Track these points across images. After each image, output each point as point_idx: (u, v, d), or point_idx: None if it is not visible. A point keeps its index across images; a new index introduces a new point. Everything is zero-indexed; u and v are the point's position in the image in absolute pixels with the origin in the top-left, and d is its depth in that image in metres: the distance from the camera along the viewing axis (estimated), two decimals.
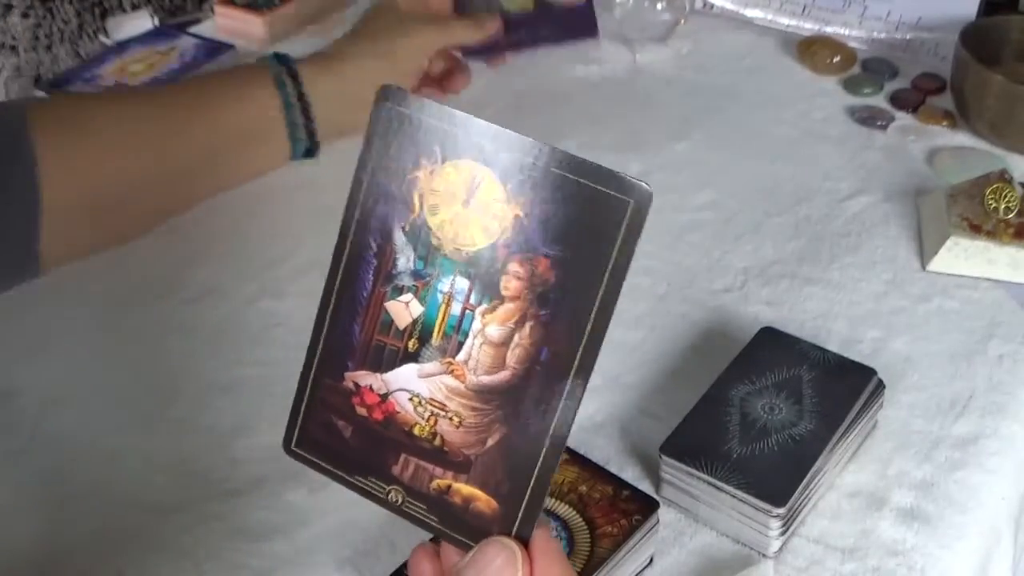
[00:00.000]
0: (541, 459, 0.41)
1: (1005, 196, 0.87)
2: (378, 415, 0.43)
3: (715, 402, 0.71)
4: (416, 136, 0.41)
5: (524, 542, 0.41)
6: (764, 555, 0.66)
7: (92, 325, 0.85)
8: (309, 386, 0.44)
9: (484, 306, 0.41)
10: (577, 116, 1.09)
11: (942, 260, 0.87)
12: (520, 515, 0.41)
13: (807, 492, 0.67)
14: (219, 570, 0.66)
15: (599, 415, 0.76)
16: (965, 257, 0.87)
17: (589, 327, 0.40)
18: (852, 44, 1.17)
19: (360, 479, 0.43)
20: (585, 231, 0.39)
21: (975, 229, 0.87)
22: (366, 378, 0.43)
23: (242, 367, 0.81)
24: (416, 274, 0.42)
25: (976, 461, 0.72)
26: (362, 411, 0.43)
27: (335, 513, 0.69)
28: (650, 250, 0.89)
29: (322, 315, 0.43)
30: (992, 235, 0.86)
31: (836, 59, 1.15)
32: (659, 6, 1.17)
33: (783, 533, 0.66)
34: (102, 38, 1.16)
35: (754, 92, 1.12)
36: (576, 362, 0.40)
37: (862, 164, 1.01)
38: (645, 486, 0.69)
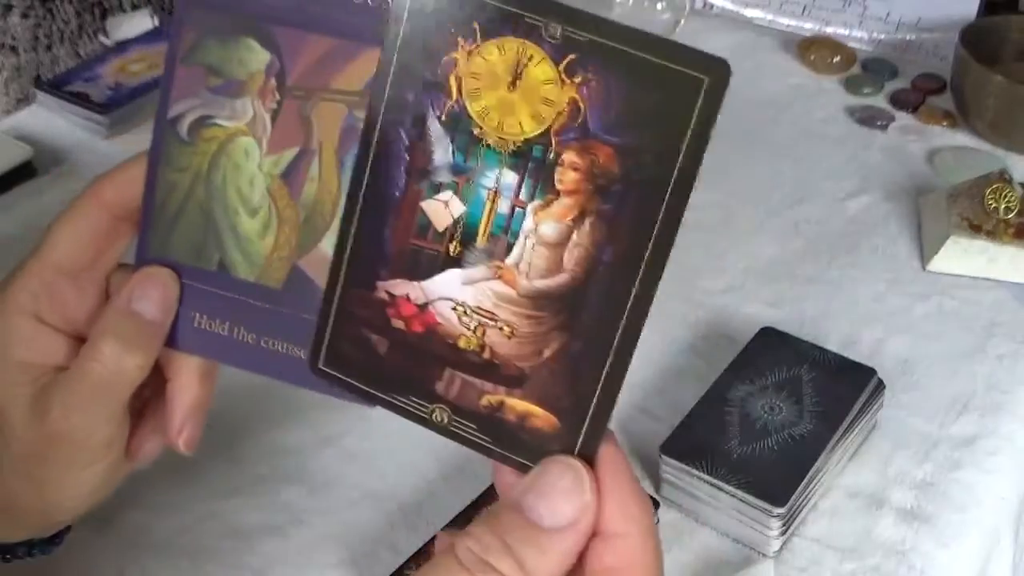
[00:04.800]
0: (607, 369, 0.37)
1: (1005, 196, 0.87)
2: (417, 327, 0.38)
3: (715, 402, 0.71)
4: (450, 13, 0.36)
5: (589, 460, 0.37)
6: (764, 555, 0.66)
7: None
8: (337, 298, 0.39)
9: (537, 202, 0.36)
10: None
11: (942, 260, 0.87)
12: (584, 431, 0.37)
13: (807, 492, 0.67)
14: (218, 570, 0.66)
15: None
16: (965, 257, 0.87)
17: (659, 223, 0.35)
18: (852, 44, 1.17)
19: (399, 398, 0.39)
20: (653, 115, 0.35)
21: (975, 229, 0.87)
22: (402, 287, 0.38)
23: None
24: (455, 168, 0.37)
25: (975, 461, 0.72)
26: (398, 323, 0.39)
27: (335, 513, 0.69)
28: None
29: (348, 219, 0.38)
30: (992, 235, 0.86)
31: (836, 59, 1.15)
32: (659, 6, 1.17)
33: (783, 533, 0.66)
34: (102, 38, 1.15)
35: (754, 92, 1.12)
36: (644, 263, 0.35)
37: (862, 164, 1.01)
38: (645, 486, 0.69)
